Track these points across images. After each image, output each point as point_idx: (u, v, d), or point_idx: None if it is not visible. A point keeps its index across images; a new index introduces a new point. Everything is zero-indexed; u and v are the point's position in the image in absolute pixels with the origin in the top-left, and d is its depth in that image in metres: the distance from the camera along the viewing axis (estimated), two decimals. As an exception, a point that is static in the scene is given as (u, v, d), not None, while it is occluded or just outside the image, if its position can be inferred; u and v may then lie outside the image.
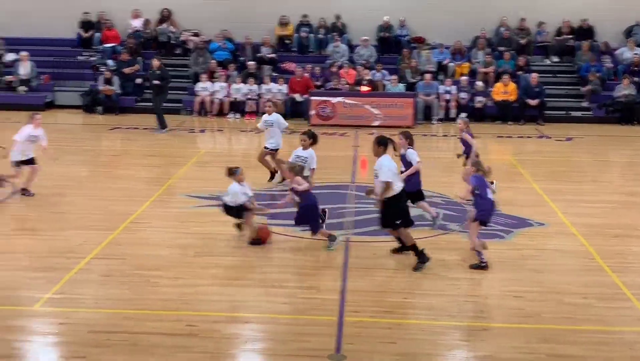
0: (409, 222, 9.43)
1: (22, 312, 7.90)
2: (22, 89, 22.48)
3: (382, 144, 9.44)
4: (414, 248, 9.35)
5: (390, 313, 7.93)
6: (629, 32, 23.88)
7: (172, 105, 22.18)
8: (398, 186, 9.24)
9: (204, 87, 21.97)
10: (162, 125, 19.22)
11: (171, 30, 24.42)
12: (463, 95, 21.40)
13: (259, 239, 10.10)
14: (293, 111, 21.68)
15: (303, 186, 9.92)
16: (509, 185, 13.83)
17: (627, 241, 10.61)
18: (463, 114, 15.50)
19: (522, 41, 23.60)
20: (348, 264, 9.39)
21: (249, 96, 21.92)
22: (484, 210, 9.37)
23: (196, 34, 24.35)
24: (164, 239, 10.34)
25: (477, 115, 21.24)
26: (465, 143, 12.69)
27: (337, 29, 24.21)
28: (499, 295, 8.48)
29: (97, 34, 24.48)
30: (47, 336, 7.40)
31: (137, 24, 24.62)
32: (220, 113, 21.76)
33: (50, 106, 22.68)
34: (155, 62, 19.82)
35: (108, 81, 22.07)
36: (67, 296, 8.26)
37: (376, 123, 20.30)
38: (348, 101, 20.46)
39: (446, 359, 7.06)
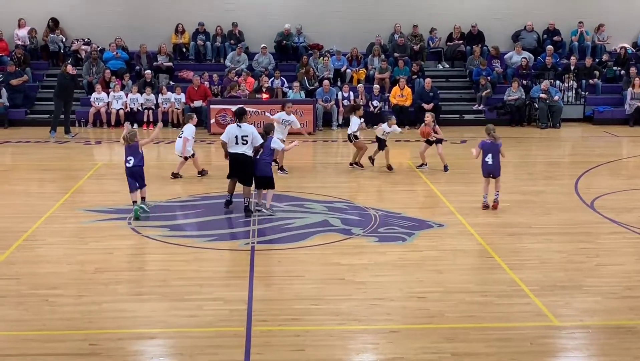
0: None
1: None
2: None
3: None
4: None
5: (298, 321, 7.92)
6: (516, 37, 24.89)
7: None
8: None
9: (99, 98, 21.38)
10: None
11: (61, 40, 23.64)
12: (375, 103, 21.76)
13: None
14: (192, 120, 21.40)
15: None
16: (409, 188, 14.14)
17: (522, 238, 11.01)
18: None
19: (416, 47, 24.20)
20: (254, 273, 9.32)
21: (146, 106, 21.50)
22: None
23: (88, 43, 23.68)
24: (61, 256, 9.96)
25: (375, 120, 21.58)
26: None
27: (234, 37, 24.11)
28: (403, 297, 8.62)
29: (-17, 45, 23.45)
30: (-62, 364, 6.99)
31: (22, 33, 23.72)
32: (117, 124, 21.24)
33: None
34: (70, 68, 20.09)
35: (-5, 93, 21.15)
36: (-41, 321, 7.83)
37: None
38: (248, 108, 20.30)
39: (355, 363, 7.12)
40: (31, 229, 11.04)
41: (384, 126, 15.39)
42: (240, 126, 11.88)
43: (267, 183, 12.08)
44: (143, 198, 11.97)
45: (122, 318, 7.96)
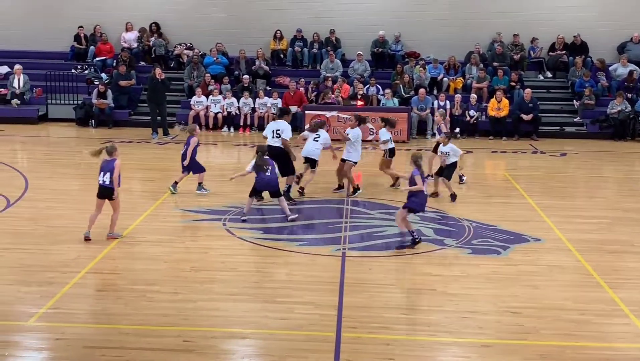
0: None
1: (16, 327, 7.82)
2: (15, 102, 22.38)
3: None
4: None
5: (388, 329, 7.88)
6: (622, 49, 24.02)
7: (167, 119, 22.12)
8: None
9: (199, 101, 21.94)
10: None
11: (162, 44, 24.41)
12: (472, 112, 21.51)
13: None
14: (287, 125, 21.67)
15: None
16: (505, 200, 13.84)
17: (623, 257, 10.60)
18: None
19: (516, 57, 23.70)
20: (345, 279, 9.34)
21: (244, 111, 21.91)
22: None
23: (190, 48, 24.36)
24: (159, 253, 10.27)
25: (471, 130, 21.31)
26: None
27: (331, 44, 24.27)
28: (497, 311, 8.44)
29: (92, 47, 24.46)
30: (42, 351, 7.32)
31: (129, 36, 24.63)
32: (215, 127, 21.75)
33: (44, 119, 22.59)
34: (159, 71, 20.63)
35: (102, 94, 22.02)
36: (62, 311, 8.18)
37: (370, 138, 20.25)
38: (342, 115, 20.44)
39: (445, 376, 7.02)
40: (131, 227, 11.41)
41: (382, 131, 14.20)
42: (276, 121, 13.36)
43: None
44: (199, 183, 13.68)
45: (215, 317, 8.13)
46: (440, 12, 24.42)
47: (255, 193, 12.06)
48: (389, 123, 14.40)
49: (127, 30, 24.59)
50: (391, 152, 14.24)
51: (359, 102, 21.31)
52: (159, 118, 20.62)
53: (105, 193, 10.71)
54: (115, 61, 23.83)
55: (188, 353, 7.22)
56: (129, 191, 12.88)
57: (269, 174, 11.75)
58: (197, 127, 14.25)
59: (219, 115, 21.79)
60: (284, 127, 13.17)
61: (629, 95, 21.99)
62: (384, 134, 14.17)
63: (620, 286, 9.27)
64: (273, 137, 13.14)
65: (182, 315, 8.11)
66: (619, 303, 8.71)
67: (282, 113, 13.64)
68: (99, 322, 7.98)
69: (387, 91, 21.72)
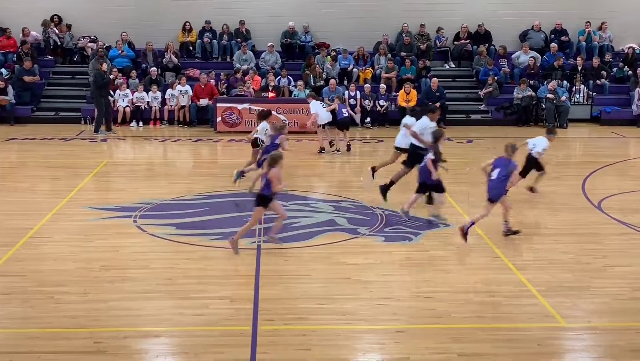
0: None
1: None
2: None
3: None
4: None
5: (304, 320, 7.89)
6: (523, 37, 24.81)
7: (72, 114, 21.51)
8: None
9: (105, 95, 21.35)
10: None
11: (62, 36, 23.62)
12: (382, 102, 21.70)
13: None
14: (198, 117, 21.41)
15: None
16: (415, 188, 14.04)
17: (529, 239, 10.95)
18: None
19: (422, 46, 24.14)
20: (260, 272, 9.30)
21: (152, 104, 21.48)
22: None
23: (94, 41, 23.67)
24: (67, 253, 9.95)
25: (381, 119, 21.58)
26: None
27: (241, 35, 24.09)
28: (410, 297, 8.58)
29: (-10, 42, 23.47)
30: (-56, 361, 6.99)
31: (33, 31, 23.71)
32: (124, 121, 21.24)
33: (-60, 117, 21.55)
34: (105, 66, 20.31)
35: (2, 91, 21.15)
36: (-35, 318, 7.83)
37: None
38: (254, 107, 20.34)
39: (362, 363, 7.08)
40: (37, 227, 11.03)
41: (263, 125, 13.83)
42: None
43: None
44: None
45: (128, 316, 7.95)
46: (348, 2, 24.64)
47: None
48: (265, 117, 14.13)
49: (24, 35, 23.44)
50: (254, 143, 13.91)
51: (271, 94, 21.25)
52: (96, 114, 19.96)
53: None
54: (15, 56, 22.93)
55: (100, 354, 7.03)
56: (32, 190, 12.44)
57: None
58: (287, 125, 14.24)
59: (127, 109, 21.30)
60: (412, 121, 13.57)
61: (532, 82, 22.75)
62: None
63: (527, 268, 9.58)
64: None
65: (93, 316, 7.89)
66: (526, 284, 9.00)
67: (424, 112, 13.71)
68: (5, 327, 7.67)
69: (300, 82, 21.74)
